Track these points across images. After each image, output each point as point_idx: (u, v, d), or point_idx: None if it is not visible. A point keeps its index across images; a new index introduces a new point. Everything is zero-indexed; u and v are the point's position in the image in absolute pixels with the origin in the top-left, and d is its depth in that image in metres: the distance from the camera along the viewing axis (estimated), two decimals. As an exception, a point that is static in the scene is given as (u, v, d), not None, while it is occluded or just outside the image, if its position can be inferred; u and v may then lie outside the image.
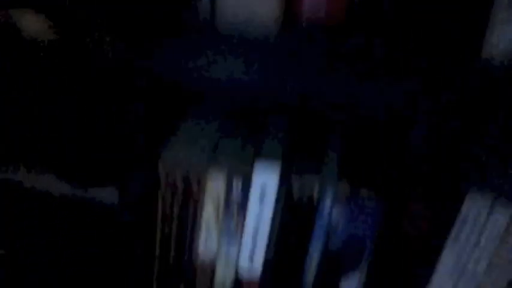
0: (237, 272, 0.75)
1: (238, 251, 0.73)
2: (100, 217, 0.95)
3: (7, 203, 1.00)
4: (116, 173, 0.84)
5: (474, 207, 0.65)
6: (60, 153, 0.87)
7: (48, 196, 0.92)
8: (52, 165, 0.89)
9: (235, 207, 0.71)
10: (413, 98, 0.68)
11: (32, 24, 0.80)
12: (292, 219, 0.69)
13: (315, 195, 0.67)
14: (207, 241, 0.74)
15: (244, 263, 0.73)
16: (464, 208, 0.66)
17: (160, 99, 0.80)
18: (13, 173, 0.91)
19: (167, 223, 0.74)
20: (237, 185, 0.69)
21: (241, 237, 0.72)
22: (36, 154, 0.90)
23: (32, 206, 1.00)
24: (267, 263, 0.73)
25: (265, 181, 0.67)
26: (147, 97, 0.79)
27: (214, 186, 0.70)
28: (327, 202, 0.67)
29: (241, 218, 0.71)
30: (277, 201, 0.68)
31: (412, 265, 0.70)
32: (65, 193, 0.90)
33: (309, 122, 0.74)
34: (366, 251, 0.69)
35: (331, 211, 0.67)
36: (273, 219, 0.69)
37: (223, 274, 0.76)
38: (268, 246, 0.71)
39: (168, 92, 0.80)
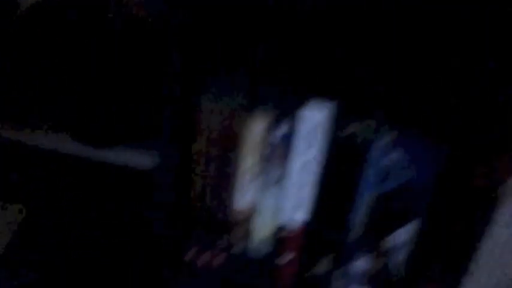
0: (278, 223, 0.70)
1: (281, 201, 0.68)
2: (131, 178, 0.90)
3: (24, 163, 0.97)
4: (150, 126, 0.79)
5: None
6: (85, 112, 0.83)
7: (68, 157, 0.88)
8: (71, 125, 0.85)
9: (280, 153, 0.66)
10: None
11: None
12: (342, 165, 0.64)
13: (368, 138, 0.61)
14: (247, 191, 0.69)
15: (286, 213, 0.69)
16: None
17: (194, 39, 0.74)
18: (31, 134, 0.87)
19: (205, 172, 0.69)
20: (283, 127, 0.64)
21: (284, 185, 0.67)
22: (56, 113, 0.86)
23: (50, 166, 0.97)
24: (312, 213, 0.68)
25: (314, 123, 0.62)
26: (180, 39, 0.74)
27: (257, 131, 0.65)
28: (380, 146, 0.61)
29: (285, 165, 0.66)
30: (326, 144, 0.63)
31: (471, 216, 0.65)
32: (90, 156, 0.86)
33: (361, 56, 0.68)
34: (421, 199, 0.64)
35: (384, 156, 0.62)
36: (321, 164, 0.64)
37: (263, 226, 0.71)
38: (314, 194, 0.66)
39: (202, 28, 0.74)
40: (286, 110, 0.62)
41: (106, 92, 0.80)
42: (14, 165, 0.98)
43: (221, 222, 0.72)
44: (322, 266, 0.71)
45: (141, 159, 0.84)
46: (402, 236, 0.67)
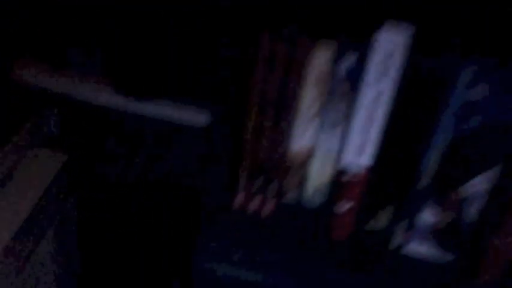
0: (338, 169, 0.64)
1: (343, 143, 0.62)
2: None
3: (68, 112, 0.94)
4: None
5: None
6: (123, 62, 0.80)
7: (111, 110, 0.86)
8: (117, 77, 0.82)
9: (345, 87, 0.59)
10: None
11: None
12: (418, 100, 0.57)
13: (450, 69, 0.54)
14: (305, 131, 0.63)
15: (348, 157, 0.62)
16: None
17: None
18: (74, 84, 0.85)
19: (261, 109, 0.63)
20: (351, 57, 0.57)
21: (348, 125, 0.61)
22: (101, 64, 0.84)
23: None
24: (377, 157, 0.61)
25: (388, 51, 0.55)
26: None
27: (321, 62, 0.59)
28: (464, 79, 0.54)
29: (351, 101, 0.59)
30: (400, 77, 0.56)
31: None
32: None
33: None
34: (504, 142, 0.57)
35: (467, 91, 0.55)
36: (393, 100, 0.57)
37: (320, 171, 0.65)
38: (382, 135, 0.60)
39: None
40: (356, 36, 0.56)
41: (154, 44, 0.77)
42: (58, 113, 0.96)
43: (274, 165, 0.66)
44: (384, 218, 0.65)
45: (189, 116, 0.82)
46: (478, 185, 0.60)
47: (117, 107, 0.88)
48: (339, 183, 0.64)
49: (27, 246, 0.87)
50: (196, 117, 0.85)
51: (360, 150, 0.62)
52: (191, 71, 0.82)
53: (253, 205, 0.69)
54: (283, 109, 0.62)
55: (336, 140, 0.63)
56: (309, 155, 0.65)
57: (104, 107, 0.89)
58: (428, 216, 0.64)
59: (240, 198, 0.69)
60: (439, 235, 0.65)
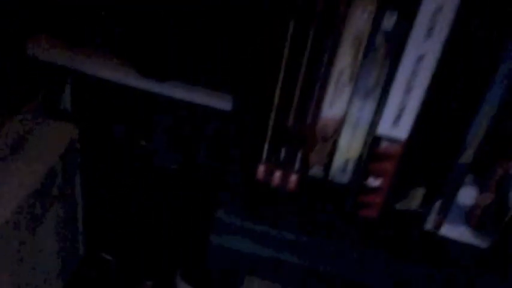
0: (370, 140, 0.59)
1: (379, 112, 0.57)
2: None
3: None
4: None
5: None
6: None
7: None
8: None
9: (382, 51, 0.55)
10: None
11: None
12: (467, 63, 0.52)
13: (504, 30, 0.50)
14: (337, 99, 0.59)
15: (383, 128, 0.58)
16: None
17: None
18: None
19: (291, 72, 0.58)
20: (391, 18, 0.53)
21: (384, 93, 0.56)
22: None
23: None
24: (414, 129, 0.57)
25: (437, 8, 0.50)
26: None
27: (358, 21, 0.54)
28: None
29: (388, 67, 0.55)
30: (448, 37, 0.51)
31: None
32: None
33: None
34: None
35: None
36: (438, 63, 0.53)
37: (351, 142, 0.60)
38: (422, 104, 0.55)
39: None
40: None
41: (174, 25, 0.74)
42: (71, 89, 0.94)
43: (301, 136, 0.62)
44: (418, 196, 0.60)
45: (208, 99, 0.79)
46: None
47: (134, 86, 0.86)
48: (371, 157, 0.59)
49: (32, 219, 0.84)
50: (216, 100, 0.82)
51: (396, 120, 0.57)
52: (214, 39, 0.79)
53: (276, 179, 0.64)
54: (314, 73, 0.58)
55: (370, 109, 0.58)
56: (340, 124, 0.60)
57: (119, 86, 0.86)
58: (466, 196, 0.59)
59: (261, 170, 0.64)
60: (475, 218, 0.60)
